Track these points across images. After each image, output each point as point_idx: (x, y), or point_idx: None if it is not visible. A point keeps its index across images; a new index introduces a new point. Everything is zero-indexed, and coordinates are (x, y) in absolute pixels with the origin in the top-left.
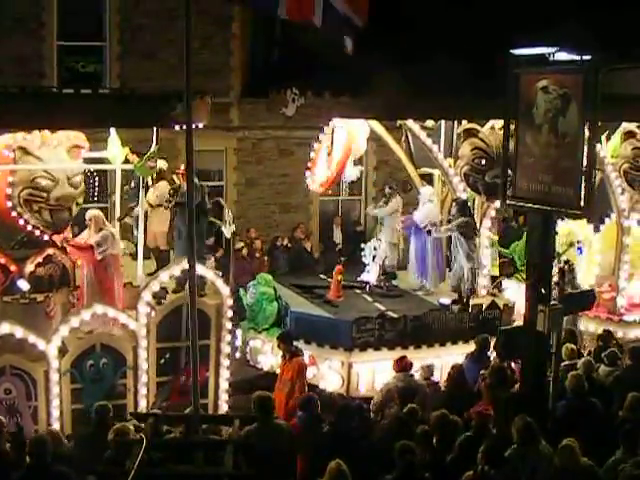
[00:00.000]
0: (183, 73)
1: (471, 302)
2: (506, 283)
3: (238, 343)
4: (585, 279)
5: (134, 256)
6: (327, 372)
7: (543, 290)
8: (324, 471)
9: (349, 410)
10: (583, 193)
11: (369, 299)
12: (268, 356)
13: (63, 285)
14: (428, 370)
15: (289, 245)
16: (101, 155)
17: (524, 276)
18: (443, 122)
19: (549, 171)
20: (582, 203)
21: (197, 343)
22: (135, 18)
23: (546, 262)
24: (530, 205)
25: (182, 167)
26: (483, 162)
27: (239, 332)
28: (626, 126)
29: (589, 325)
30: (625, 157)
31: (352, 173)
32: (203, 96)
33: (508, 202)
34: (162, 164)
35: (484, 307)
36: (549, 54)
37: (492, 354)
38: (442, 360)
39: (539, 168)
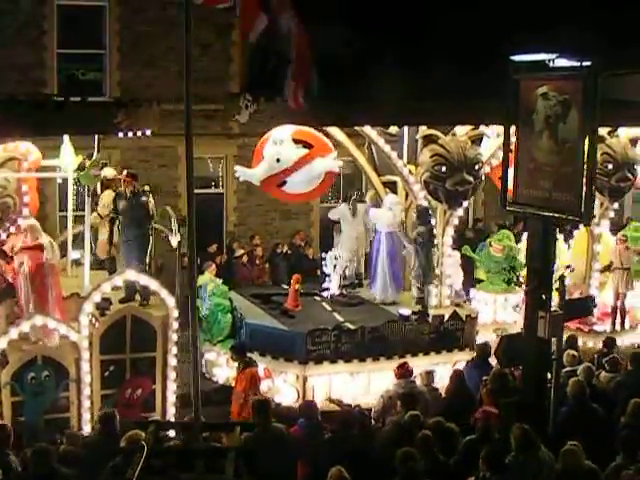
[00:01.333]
0: (183, 80)
1: (431, 313)
2: (473, 292)
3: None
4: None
5: (89, 265)
6: (282, 385)
7: (544, 296)
8: (325, 478)
9: (350, 417)
10: (583, 199)
11: (328, 308)
12: (223, 369)
13: (7, 297)
14: (428, 376)
15: (289, 252)
16: (53, 163)
17: (493, 286)
18: (406, 128)
19: (549, 177)
20: (582, 209)
21: (197, 344)
22: (135, 26)
23: (546, 268)
24: (530, 211)
25: (124, 173)
26: (443, 169)
27: None
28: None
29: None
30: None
31: None
32: (151, 103)
33: (508, 208)
34: (108, 172)
35: (445, 318)
36: (549, 60)
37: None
38: None
39: (539, 174)
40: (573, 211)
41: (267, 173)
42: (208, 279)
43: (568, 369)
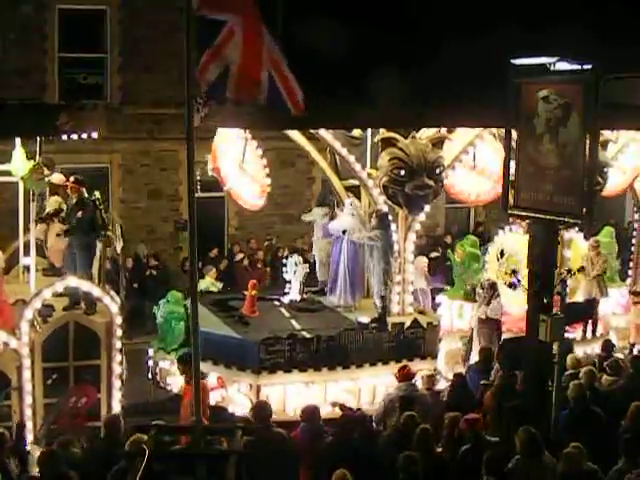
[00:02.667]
0: (184, 84)
1: (390, 320)
2: (440, 298)
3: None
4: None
5: (45, 272)
6: (235, 395)
7: (545, 299)
8: None
9: (352, 421)
10: (584, 202)
11: (287, 315)
12: (178, 377)
13: None
14: (430, 380)
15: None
16: (4, 168)
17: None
18: (369, 131)
19: (550, 180)
20: (583, 212)
21: (198, 346)
22: (136, 30)
23: (548, 271)
24: (532, 214)
25: (72, 179)
26: (402, 173)
27: (150, 352)
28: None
29: None
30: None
31: None
32: (95, 106)
33: (510, 211)
34: (55, 178)
35: (406, 326)
36: (550, 64)
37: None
38: (360, 383)
39: (540, 177)
40: (574, 214)
41: None
42: (209, 283)
43: (570, 372)
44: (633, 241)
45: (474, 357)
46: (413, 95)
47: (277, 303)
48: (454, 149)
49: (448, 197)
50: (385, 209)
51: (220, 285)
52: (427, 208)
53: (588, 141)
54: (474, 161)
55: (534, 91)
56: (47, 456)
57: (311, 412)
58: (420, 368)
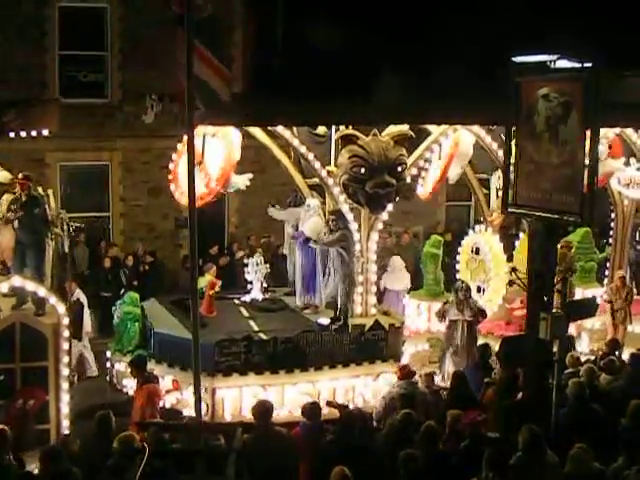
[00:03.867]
0: (185, 83)
1: (350, 322)
2: (406, 300)
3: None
4: (493, 296)
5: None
6: (191, 398)
7: (545, 297)
8: (327, 479)
9: (352, 418)
10: (584, 200)
11: (246, 315)
12: (134, 379)
13: None
14: (429, 378)
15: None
16: None
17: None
18: (333, 129)
19: (550, 178)
20: (583, 210)
21: (199, 348)
22: (136, 28)
23: (548, 269)
24: (531, 213)
25: (20, 176)
26: (362, 171)
27: (108, 354)
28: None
29: (495, 346)
30: None
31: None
32: (45, 103)
33: (509, 209)
34: (2, 177)
35: (367, 327)
36: (550, 62)
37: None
38: (319, 386)
39: (540, 175)
40: (573, 212)
41: None
42: (209, 281)
43: (570, 370)
44: (610, 240)
45: (449, 359)
46: (413, 93)
47: (237, 302)
48: (420, 147)
49: (448, 194)
50: (346, 208)
51: (219, 283)
52: (390, 207)
53: (588, 139)
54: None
55: (534, 89)
56: (49, 453)
57: (312, 409)
58: (382, 371)
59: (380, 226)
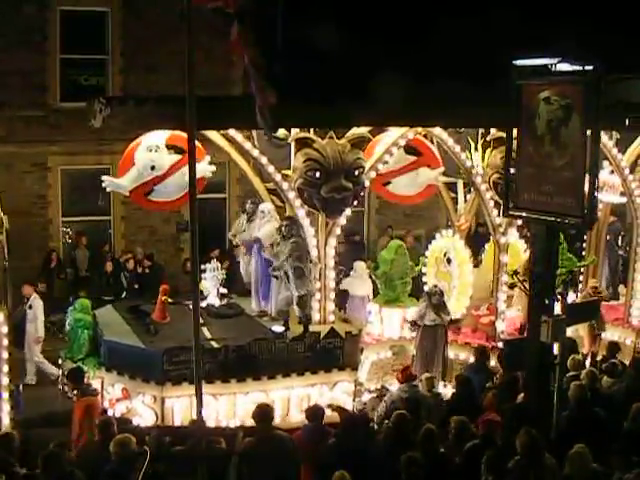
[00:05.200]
0: (185, 85)
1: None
2: (369, 306)
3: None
4: (459, 302)
5: None
6: (140, 407)
7: (546, 301)
8: None
9: (354, 422)
10: (585, 203)
11: (200, 321)
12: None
13: None
14: (429, 382)
15: None
16: None
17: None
18: (293, 132)
19: (551, 181)
20: (584, 213)
21: (199, 350)
22: (137, 31)
23: (549, 272)
24: (532, 215)
25: None
26: (318, 175)
27: (60, 362)
28: (494, 133)
29: (460, 353)
30: (495, 166)
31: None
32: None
33: (510, 212)
34: None
35: (322, 335)
36: (551, 65)
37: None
38: (272, 395)
39: (541, 178)
40: (575, 215)
41: (137, 182)
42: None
43: (571, 374)
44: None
45: (419, 366)
46: (413, 95)
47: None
48: (378, 151)
49: None
50: (302, 213)
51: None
52: (348, 211)
53: (589, 142)
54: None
55: (535, 92)
56: (50, 457)
57: (314, 413)
58: (339, 380)
59: (338, 231)
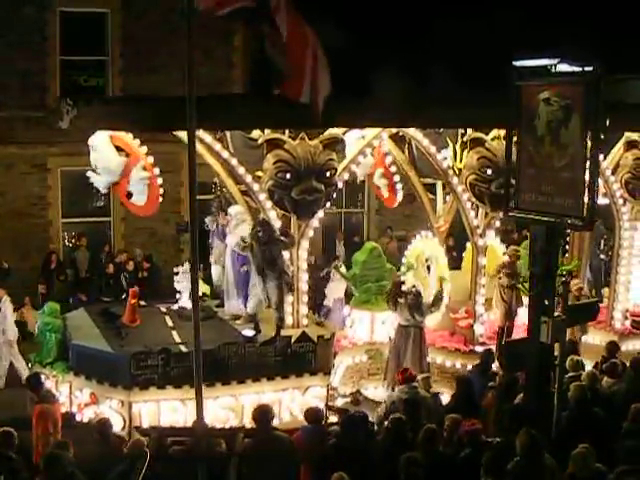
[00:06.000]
0: (185, 86)
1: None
2: (346, 310)
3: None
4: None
5: None
6: (108, 412)
7: (546, 301)
8: None
9: (354, 422)
10: (586, 204)
11: (170, 325)
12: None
13: None
14: (426, 382)
15: None
16: None
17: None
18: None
19: (551, 182)
20: (585, 214)
21: (200, 352)
22: (137, 32)
23: (550, 273)
24: (532, 216)
25: None
26: (288, 176)
27: (30, 365)
28: (470, 133)
29: (437, 358)
30: (472, 167)
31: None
32: None
33: (510, 213)
34: None
35: (293, 339)
36: (551, 65)
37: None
38: (242, 400)
39: (541, 179)
40: (575, 216)
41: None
42: (208, 287)
43: (571, 374)
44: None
45: (392, 365)
46: (414, 95)
47: (164, 311)
48: (351, 151)
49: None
50: (274, 215)
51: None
52: (321, 213)
53: (589, 142)
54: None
55: (535, 93)
56: (52, 458)
57: (314, 414)
58: (311, 384)
59: (311, 233)
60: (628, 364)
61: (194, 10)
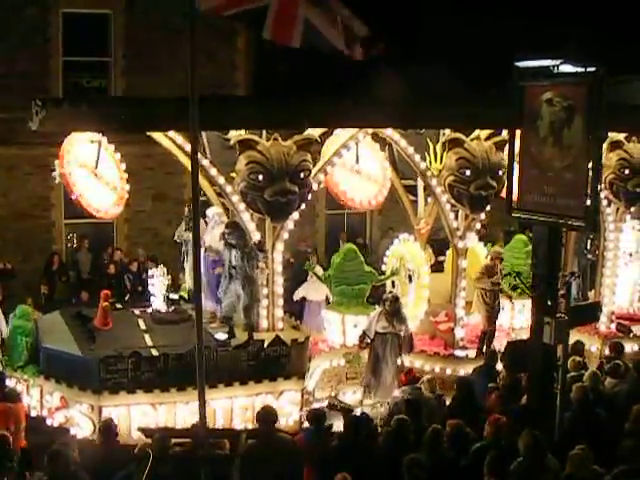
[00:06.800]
0: (188, 88)
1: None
2: (324, 313)
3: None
4: (415, 307)
5: None
6: (77, 416)
7: (549, 302)
8: None
9: (357, 424)
10: (588, 205)
11: (142, 328)
12: (23, 397)
13: None
14: (432, 384)
15: (292, 260)
16: None
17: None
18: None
19: (554, 183)
20: (587, 214)
21: (202, 352)
22: (140, 34)
23: (553, 274)
24: (535, 217)
25: None
26: (260, 177)
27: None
28: (449, 134)
29: (415, 362)
30: (451, 169)
31: None
32: None
33: (513, 214)
34: None
35: (266, 343)
36: (554, 66)
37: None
38: (214, 404)
39: (544, 180)
40: (577, 217)
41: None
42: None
43: (573, 374)
44: None
45: (368, 373)
46: (414, 95)
47: (137, 314)
48: (325, 152)
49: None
50: (247, 217)
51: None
52: (296, 215)
53: (592, 143)
54: (357, 164)
55: (538, 94)
56: (55, 456)
57: (316, 415)
58: (285, 389)
59: (286, 236)
60: (631, 365)
61: (197, 11)
